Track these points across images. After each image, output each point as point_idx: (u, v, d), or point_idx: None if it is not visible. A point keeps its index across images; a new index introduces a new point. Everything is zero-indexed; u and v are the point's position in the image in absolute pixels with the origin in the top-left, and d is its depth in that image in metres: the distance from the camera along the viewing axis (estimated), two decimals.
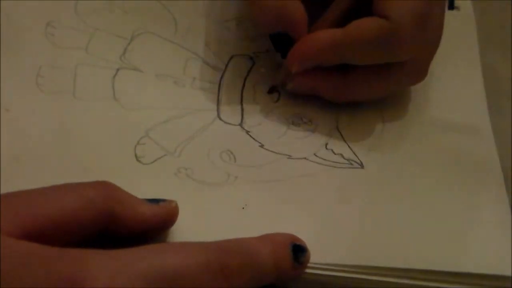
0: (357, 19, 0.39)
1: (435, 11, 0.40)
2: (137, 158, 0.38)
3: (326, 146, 0.41)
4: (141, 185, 0.35)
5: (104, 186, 0.31)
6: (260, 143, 0.40)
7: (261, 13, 0.40)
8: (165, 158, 0.38)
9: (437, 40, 0.41)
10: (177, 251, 0.29)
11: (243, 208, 0.36)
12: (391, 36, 0.38)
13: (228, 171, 0.38)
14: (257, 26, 0.42)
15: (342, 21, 0.40)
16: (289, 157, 0.40)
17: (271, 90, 0.43)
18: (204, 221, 0.35)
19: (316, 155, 0.40)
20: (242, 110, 0.42)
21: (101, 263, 0.27)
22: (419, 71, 0.41)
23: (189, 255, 0.29)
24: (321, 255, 0.34)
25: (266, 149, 0.40)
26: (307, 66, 0.40)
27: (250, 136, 0.40)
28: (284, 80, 0.42)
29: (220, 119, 0.41)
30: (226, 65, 0.44)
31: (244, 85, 0.43)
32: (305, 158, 0.40)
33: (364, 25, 0.38)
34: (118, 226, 0.31)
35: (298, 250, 0.33)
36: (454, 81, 0.45)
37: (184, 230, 0.34)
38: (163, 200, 0.33)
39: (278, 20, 0.40)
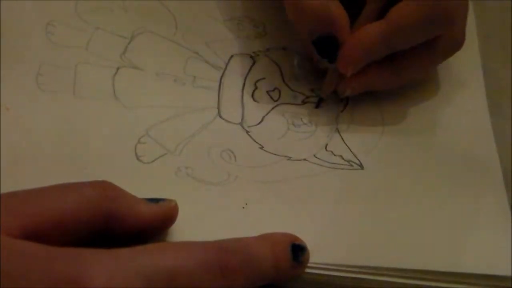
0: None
1: None
2: (137, 157, 0.38)
3: (326, 148, 0.41)
4: (142, 184, 0.35)
5: (103, 186, 0.31)
6: (260, 144, 0.40)
7: (302, 16, 0.39)
8: (165, 157, 0.38)
9: (467, 1, 0.42)
10: (176, 251, 0.29)
11: (243, 207, 0.36)
12: (437, 12, 0.39)
13: (229, 170, 0.38)
14: (299, 32, 0.41)
15: (381, 13, 0.40)
16: (289, 158, 0.40)
17: (318, 104, 0.43)
18: (204, 220, 0.35)
19: (316, 157, 0.40)
20: (243, 108, 0.42)
21: (100, 262, 0.27)
22: (459, 37, 0.42)
23: (188, 255, 0.29)
24: (321, 255, 0.34)
25: (266, 151, 0.40)
26: (361, 66, 0.40)
27: (250, 136, 0.40)
28: (336, 87, 0.42)
29: (221, 117, 0.41)
30: (227, 64, 0.44)
31: (244, 83, 0.43)
32: (305, 159, 0.40)
33: (409, 10, 0.39)
34: (117, 225, 0.31)
35: (298, 249, 0.33)
36: (454, 82, 0.45)
37: (184, 229, 0.34)
38: (163, 200, 0.33)
39: (320, 21, 0.39)
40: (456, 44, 0.42)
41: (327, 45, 0.40)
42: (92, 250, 0.28)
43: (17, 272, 0.26)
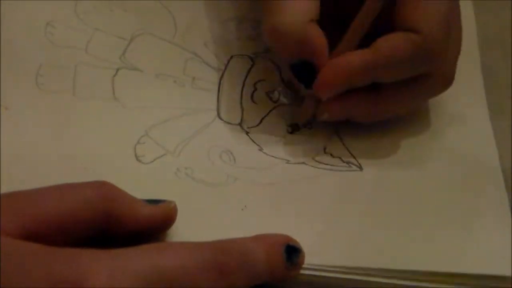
0: (375, 33, 0.38)
1: (455, 12, 0.39)
2: (137, 157, 0.38)
3: (324, 150, 0.41)
4: (141, 184, 0.36)
5: (102, 186, 0.31)
6: (259, 146, 0.40)
7: (281, 43, 0.38)
8: (165, 157, 0.38)
9: (460, 40, 0.40)
10: (174, 251, 0.29)
11: (242, 209, 0.36)
12: (425, 50, 0.37)
13: (228, 171, 0.38)
14: (278, 56, 0.41)
15: (363, 40, 0.38)
16: (288, 161, 0.40)
17: (293, 129, 0.41)
18: (203, 221, 0.35)
19: (315, 160, 0.40)
20: (242, 109, 0.42)
21: (99, 263, 0.27)
22: (448, 76, 0.40)
23: (186, 255, 0.29)
24: (320, 257, 0.34)
25: (265, 153, 0.40)
26: (337, 92, 0.38)
27: (250, 137, 0.40)
28: (314, 113, 0.40)
29: (220, 118, 0.41)
30: (226, 65, 0.44)
31: (244, 84, 0.43)
32: (303, 163, 0.40)
33: (395, 43, 0.37)
34: (116, 226, 0.31)
35: (292, 251, 0.33)
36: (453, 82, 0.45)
37: (184, 230, 0.34)
38: (162, 201, 0.33)
39: (298, 48, 0.37)
40: (445, 83, 0.40)
41: (305, 70, 0.38)
42: (91, 250, 0.28)
43: (16, 272, 0.27)
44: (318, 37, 0.37)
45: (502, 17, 0.50)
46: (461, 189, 0.39)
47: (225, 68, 0.43)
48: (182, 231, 0.34)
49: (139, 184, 0.35)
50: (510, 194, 0.39)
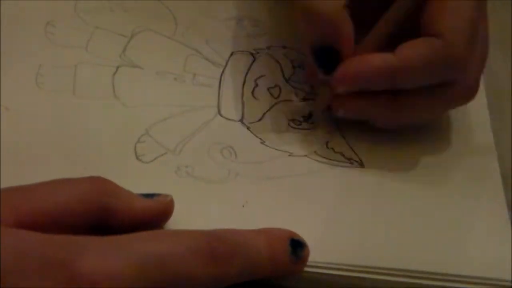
0: (400, 37, 0.37)
1: (482, 22, 0.38)
2: (137, 156, 0.38)
3: (326, 145, 0.40)
4: (142, 184, 0.35)
5: (98, 181, 0.31)
6: (261, 139, 0.40)
7: (311, 22, 0.37)
8: (165, 156, 0.38)
9: (486, 51, 0.39)
10: (168, 237, 0.29)
11: (243, 206, 0.36)
12: (445, 56, 0.36)
13: (229, 168, 0.38)
14: (302, 39, 0.39)
15: (388, 42, 0.38)
16: (290, 154, 0.39)
17: (309, 117, 0.41)
18: (204, 219, 0.35)
19: (316, 153, 0.40)
20: (243, 106, 0.41)
21: (92, 248, 0.27)
22: (471, 87, 0.39)
23: (179, 241, 0.29)
24: (321, 254, 0.34)
25: (267, 146, 0.40)
26: (354, 89, 0.38)
27: (251, 132, 0.40)
28: (328, 106, 0.40)
29: (221, 115, 0.41)
30: (227, 62, 0.43)
31: (244, 81, 0.43)
32: (305, 155, 0.39)
33: (417, 49, 0.36)
34: (113, 220, 0.31)
35: (297, 245, 0.33)
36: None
37: (184, 228, 0.33)
38: (158, 195, 0.33)
39: (326, 30, 0.37)
40: (467, 94, 0.39)
41: (328, 56, 0.38)
42: (85, 236, 0.28)
43: (11, 258, 0.26)
44: (347, 23, 0.37)
45: (502, 17, 0.50)
46: (461, 190, 0.39)
47: (226, 64, 0.43)
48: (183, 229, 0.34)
49: (139, 183, 0.35)
50: (510, 195, 0.39)
